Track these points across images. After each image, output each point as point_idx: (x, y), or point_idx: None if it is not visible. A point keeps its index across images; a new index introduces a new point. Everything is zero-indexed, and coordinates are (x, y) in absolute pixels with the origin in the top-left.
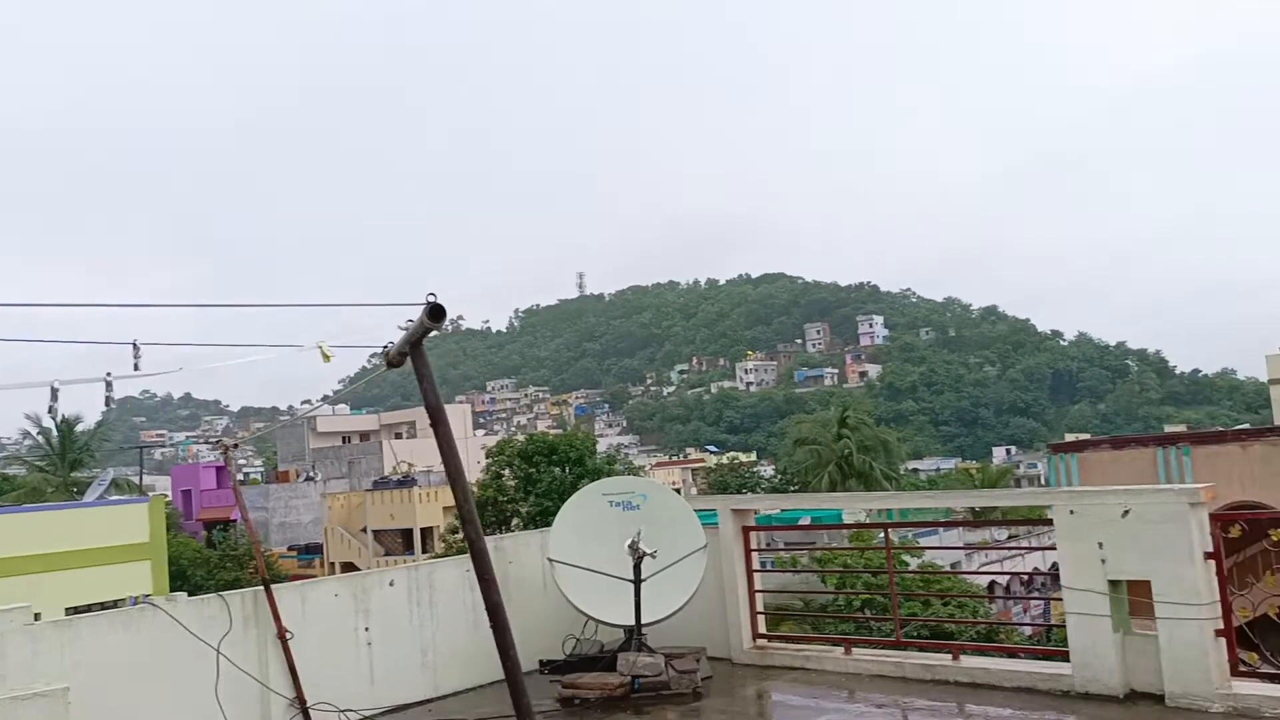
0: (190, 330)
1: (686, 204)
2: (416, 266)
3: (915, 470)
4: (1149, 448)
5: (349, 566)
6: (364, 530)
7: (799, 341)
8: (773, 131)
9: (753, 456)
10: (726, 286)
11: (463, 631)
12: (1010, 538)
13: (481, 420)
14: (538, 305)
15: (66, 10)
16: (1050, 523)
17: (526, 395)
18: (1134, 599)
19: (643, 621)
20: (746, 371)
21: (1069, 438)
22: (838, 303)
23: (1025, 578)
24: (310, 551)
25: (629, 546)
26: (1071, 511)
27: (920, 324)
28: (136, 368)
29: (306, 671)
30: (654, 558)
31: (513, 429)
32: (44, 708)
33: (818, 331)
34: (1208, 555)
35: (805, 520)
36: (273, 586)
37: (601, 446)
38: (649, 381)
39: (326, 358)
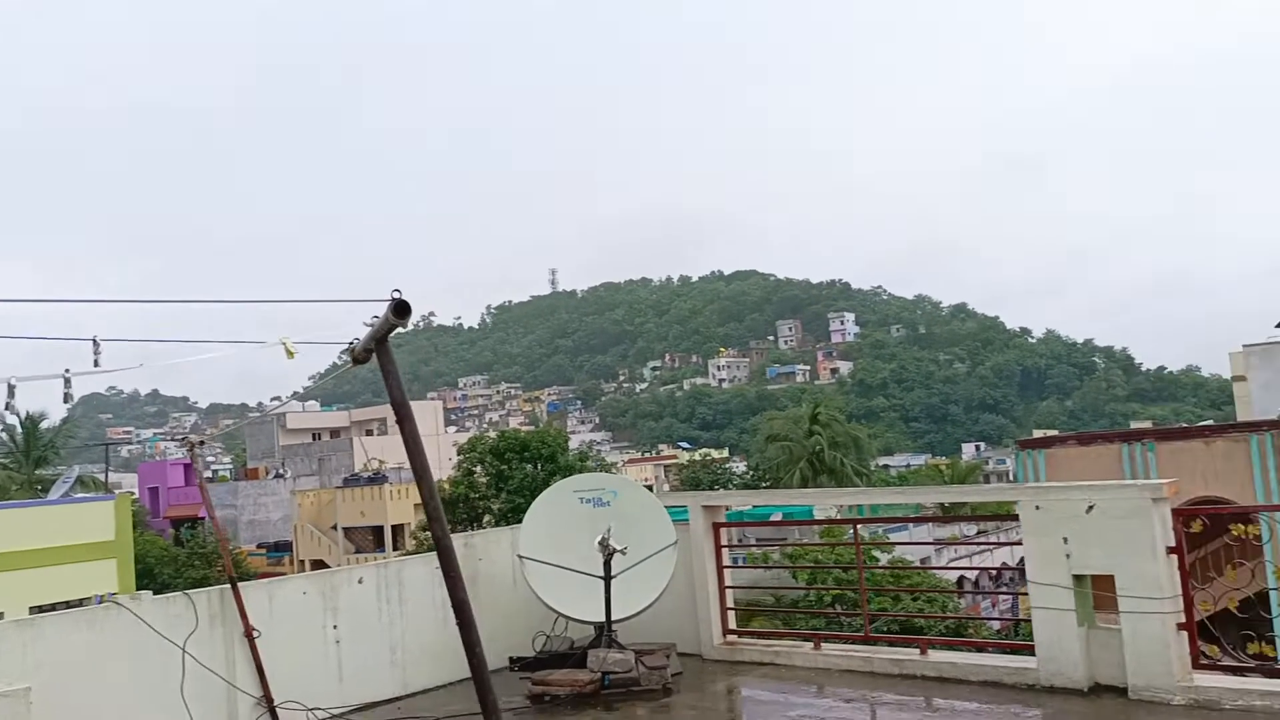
0: (156, 327)
1: (659, 201)
2: (388, 263)
3: (886, 466)
4: (1114, 444)
5: (319, 564)
6: (334, 527)
7: (771, 338)
8: (746, 130)
9: (725, 453)
10: (699, 283)
11: (432, 629)
12: (979, 533)
13: (453, 417)
14: (510, 302)
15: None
16: (1018, 518)
17: (499, 392)
18: (1098, 593)
19: (613, 618)
20: (719, 368)
21: (1037, 434)
22: (809, 300)
23: (994, 573)
24: (280, 549)
25: (599, 543)
26: (1037, 507)
27: (891, 321)
28: (96, 364)
29: (274, 670)
30: (624, 554)
31: (485, 426)
32: (5, 708)
33: (790, 328)
34: (1170, 550)
35: (777, 516)
36: (240, 584)
37: (574, 443)
38: (621, 378)
39: (290, 354)
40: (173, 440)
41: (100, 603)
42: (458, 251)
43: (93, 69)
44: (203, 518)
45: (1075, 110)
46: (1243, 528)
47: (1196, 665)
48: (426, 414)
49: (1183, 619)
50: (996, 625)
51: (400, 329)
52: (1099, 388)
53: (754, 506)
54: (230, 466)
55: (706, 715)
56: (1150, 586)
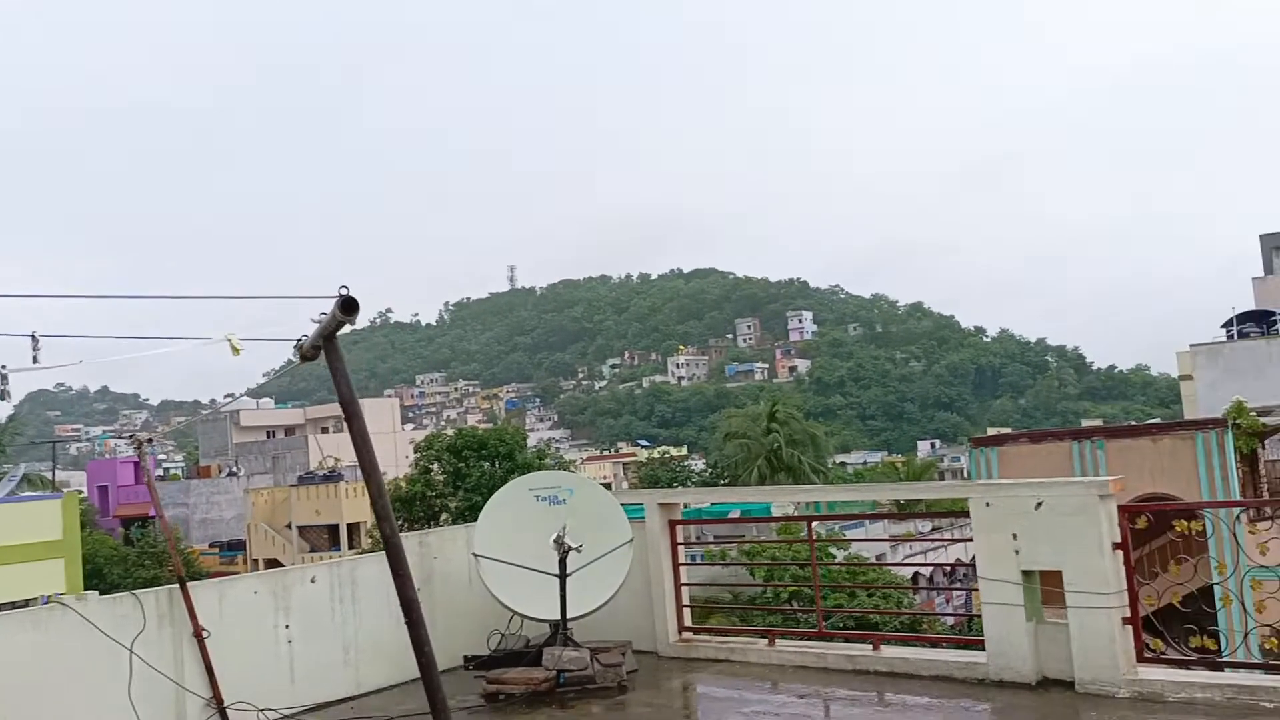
0: (109, 324)
1: (619, 199)
2: (344, 259)
3: (843, 464)
4: (1065, 441)
5: (273, 563)
6: (289, 526)
7: (730, 336)
8: (706, 129)
9: (684, 451)
10: (658, 281)
11: (387, 628)
12: (934, 530)
13: (410, 414)
14: (468, 298)
15: None
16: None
17: (456, 389)
18: (1046, 589)
19: (568, 616)
20: (678, 366)
21: (991, 432)
22: (768, 298)
23: (948, 569)
24: (233, 548)
25: (554, 541)
26: (987, 504)
27: (848, 320)
28: (35, 360)
29: (224, 670)
30: (579, 552)
31: (442, 423)
32: None
33: (748, 327)
34: (1116, 546)
35: (735, 514)
36: (190, 584)
37: (532, 441)
38: (580, 376)
39: (236, 351)
40: (122, 438)
41: (46, 603)
42: (415, 247)
43: (45, 64)
44: (153, 516)
45: (1031, 116)
46: (1186, 524)
47: (1141, 659)
48: (383, 411)
49: (1128, 613)
50: (950, 621)
51: (348, 326)
52: (1051, 386)
53: (711, 504)
54: (183, 464)
55: (661, 712)
56: (1096, 582)
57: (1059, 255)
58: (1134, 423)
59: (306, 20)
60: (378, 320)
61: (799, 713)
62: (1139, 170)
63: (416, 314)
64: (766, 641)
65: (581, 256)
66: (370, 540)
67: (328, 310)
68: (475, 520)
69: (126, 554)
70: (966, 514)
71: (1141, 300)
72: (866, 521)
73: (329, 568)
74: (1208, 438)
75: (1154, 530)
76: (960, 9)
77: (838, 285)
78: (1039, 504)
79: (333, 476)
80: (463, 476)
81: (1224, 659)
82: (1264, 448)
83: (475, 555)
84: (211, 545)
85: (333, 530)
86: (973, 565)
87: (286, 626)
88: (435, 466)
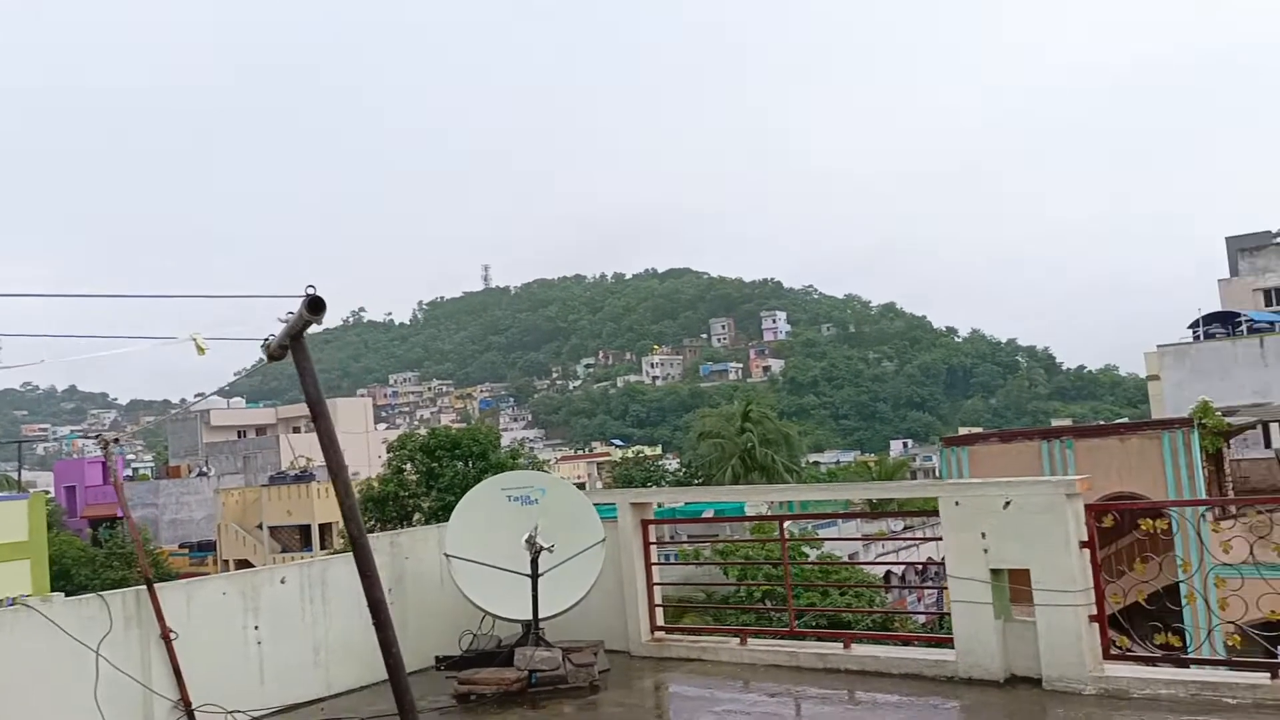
0: (79, 324)
1: (594, 199)
2: (318, 259)
3: (816, 463)
4: (1034, 441)
5: (244, 564)
6: (260, 527)
7: (704, 336)
8: (679, 130)
9: (658, 450)
10: (633, 281)
11: (358, 629)
12: (906, 529)
13: (384, 414)
14: (442, 298)
15: None
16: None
17: (430, 389)
18: (1014, 587)
19: (540, 616)
20: (652, 366)
21: (962, 431)
22: (742, 299)
23: (920, 567)
24: (203, 549)
25: (526, 541)
26: (957, 503)
27: (821, 320)
28: None
29: (192, 672)
30: (551, 552)
31: (416, 423)
32: None
33: (723, 327)
34: (1083, 544)
35: (708, 513)
36: (157, 585)
37: (506, 441)
38: (555, 375)
39: (201, 350)
40: (89, 438)
41: (11, 605)
42: (389, 246)
43: (40, 60)
44: (121, 517)
45: (1003, 118)
46: (1151, 522)
47: (1107, 656)
48: (356, 411)
49: (1094, 611)
50: (922, 619)
51: (316, 325)
52: (1022, 386)
53: (685, 503)
54: (152, 464)
55: (633, 712)
56: (1064, 580)
57: (1030, 256)
58: (1102, 423)
59: (268, 20)
60: (351, 319)
61: (770, 711)
62: (1110, 172)
63: (390, 313)
64: (738, 640)
65: (556, 256)
66: (342, 541)
67: (295, 310)
68: (448, 520)
69: (94, 555)
70: (937, 513)
71: (1111, 301)
72: (839, 520)
73: (299, 568)
74: (1174, 437)
75: (1120, 529)
76: (936, 11)
77: (811, 285)
78: (1007, 503)
79: (304, 476)
80: (436, 476)
81: (1189, 656)
82: (1229, 447)
83: (447, 555)
84: (181, 546)
85: (304, 531)
86: (944, 564)
87: (256, 628)
88: (408, 466)
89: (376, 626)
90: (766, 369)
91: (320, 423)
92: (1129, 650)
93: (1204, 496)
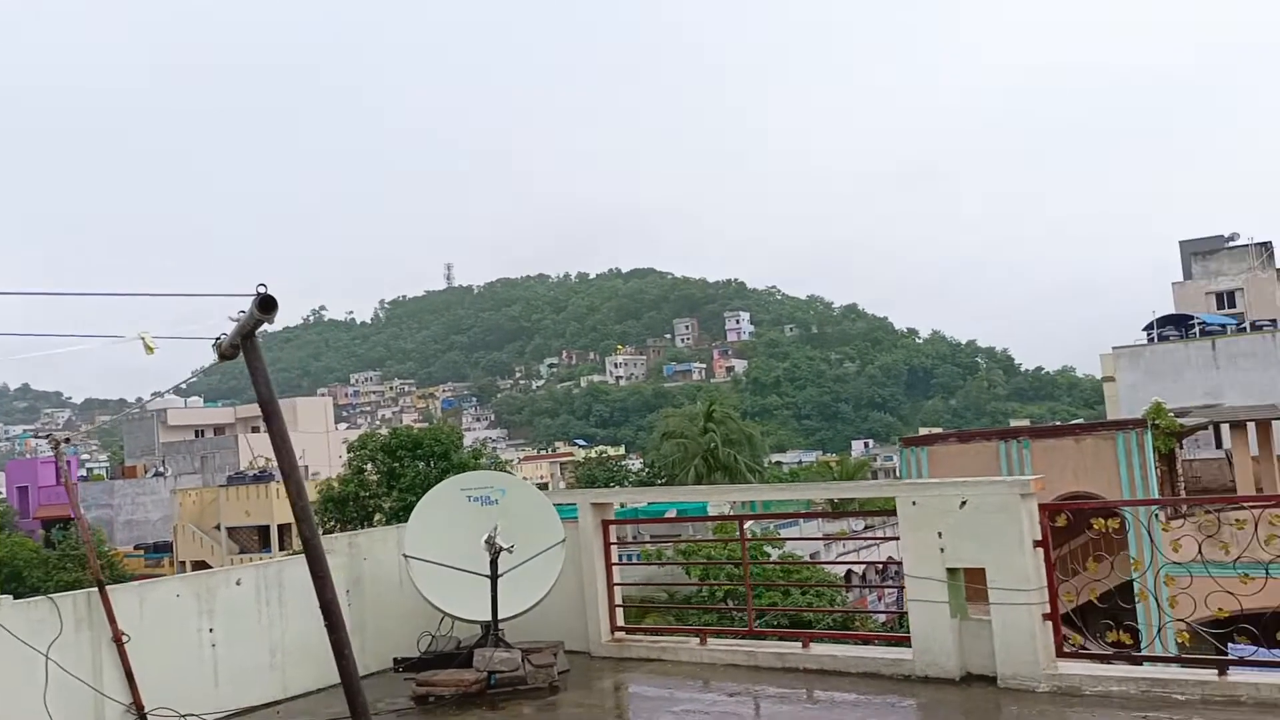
0: (33, 322)
1: (558, 198)
2: (275, 258)
3: (779, 463)
4: (992, 441)
5: (201, 565)
6: (218, 527)
7: (668, 336)
8: (644, 129)
9: (621, 450)
10: (597, 280)
11: (315, 630)
12: (866, 528)
13: (344, 414)
14: (404, 296)
15: None
16: None
17: (391, 388)
18: (970, 586)
19: (499, 617)
20: (616, 366)
21: (922, 431)
22: (706, 299)
23: (880, 566)
24: (159, 550)
25: (486, 541)
26: (914, 503)
27: (785, 321)
28: None
29: (145, 675)
30: (511, 552)
31: (377, 423)
32: None
33: (686, 327)
34: (1036, 543)
35: (671, 513)
36: (109, 587)
37: (468, 440)
38: (518, 375)
39: (149, 349)
40: (40, 437)
41: None
42: (350, 244)
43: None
44: (75, 518)
45: (963, 118)
46: (1104, 522)
47: (1060, 654)
48: (316, 410)
49: (1048, 609)
50: (882, 618)
51: (267, 324)
52: (981, 387)
53: (648, 503)
54: (107, 464)
55: (592, 712)
56: (1018, 579)
57: (990, 258)
58: (1059, 423)
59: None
60: (311, 318)
61: (729, 711)
62: (1070, 175)
63: (351, 312)
64: (698, 640)
65: (519, 255)
66: (301, 541)
67: (246, 309)
68: (408, 521)
69: (47, 557)
70: (896, 512)
71: (1069, 304)
72: (801, 520)
73: (255, 569)
74: (1128, 438)
75: (1075, 528)
76: (893, 11)
77: (774, 286)
78: (963, 503)
79: (263, 477)
80: (397, 476)
81: (1141, 654)
82: (1182, 448)
83: (406, 556)
84: (137, 547)
85: (263, 531)
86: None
87: (211, 630)
88: (369, 466)
89: (329, 629)
90: (730, 369)
91: (272, 422)
92: (1082, 648)
93: (1157, 496)
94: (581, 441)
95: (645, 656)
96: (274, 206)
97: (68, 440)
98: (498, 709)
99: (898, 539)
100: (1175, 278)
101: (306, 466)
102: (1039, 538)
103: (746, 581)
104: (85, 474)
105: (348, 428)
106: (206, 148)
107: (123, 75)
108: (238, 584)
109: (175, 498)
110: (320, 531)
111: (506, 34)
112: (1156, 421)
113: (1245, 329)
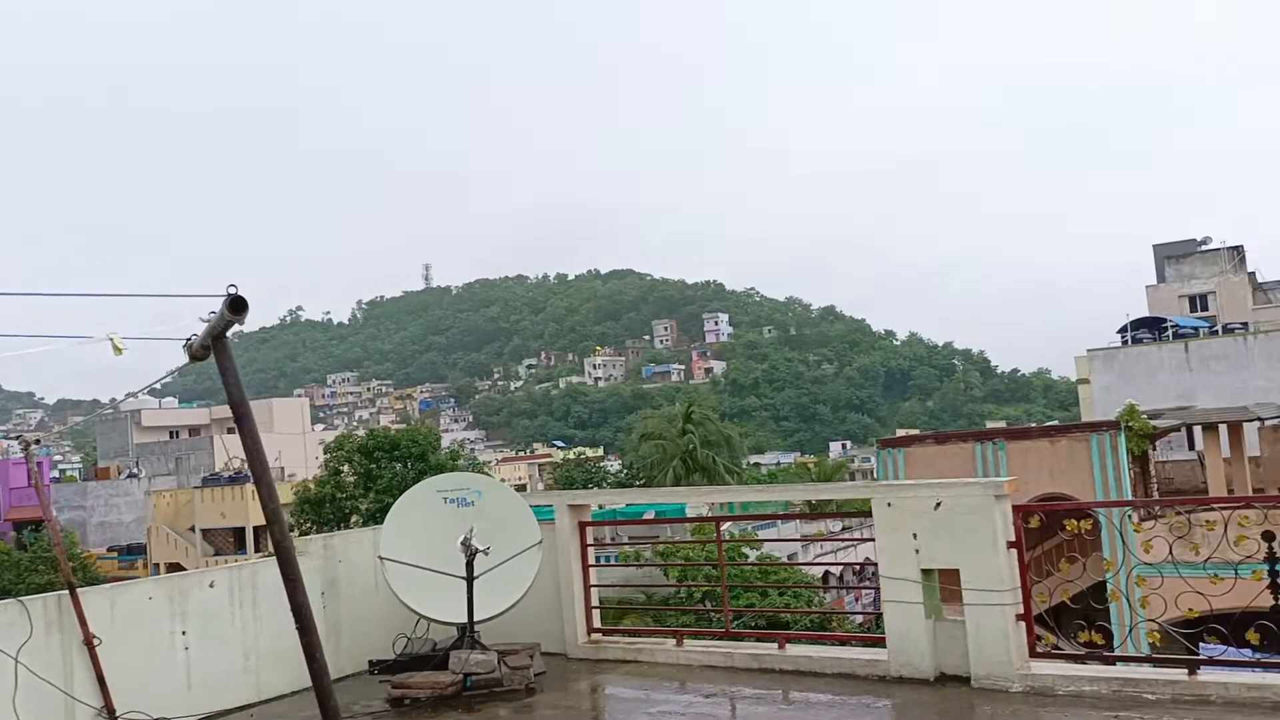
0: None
1: (536, 199)
2: (250, 258)
3: (757, 464)
4: (968, 443)
5: (175, 567)
6: (192, 529)
7: (647, 338)
8: (624, 130)
9: (600, 452)
10: (576, 282)
11: (289, 633)
12: (844, 529)
13: (321, 415)
14: (382, 297)
15: None
16: None
17: (369, 389)
18: (945, 586)
19: (476, 619)
20: (595, 367)
21: (900, 433)
22: (684, 300)
23: (857, 567)
24: (133, 552)
25: (461, 543)
26: (889, 504)
27: (763, 322)
28: None
29: (116, 679)
30: (487, 554)
31: (354, 424)
32: None
33: (665, 328)
34: (1010, 544)
35: (649, 514)
36: (81, 590)
37: (446, 442)
38: (496, 376)
39: (118, 350)
40: (12, 438)
41: None
42: (328, 244)
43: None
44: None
45: (942, 121)
46: (1076, 523)
47: (1033, 654)
48: (293, 411)
49: (1021, 610)
50: (859, 619)
51: (238, 325)
52: (958, 389)
53: (626, 505)
54: (80, 465)
55: (569, 714)
56: (992, 580)
57: (966, 261)
58: (1034, 425)
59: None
60: (288, 318)
61: (705, 712)
62: (1046, 178)
63: (328, 312)
64: (675, 642)
65: (498, 256)
66: (273, 544)
67: (217, 310)
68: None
69: (19, 559)
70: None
71: (1045, 306)
72: (779, 521)
73: (229, 571)
74: (1102, 440)
75: (1049, 529)
76: (875, 12)
77: (753, 288)
78: (938, 504)
79: (238, 478)
80: (374, 478)
81: (1113, 653)
82: (1155, 449)
83: (381, 558)
84: (110, 549)
85: (239, 533)
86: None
87: (184, 633)
88: (346, 468)
89: (300, 632)
90: (708, 370)
91: (243, 424)
92: (1055, 648)
93: (1130, 497)
94: (560, 443)
95: (622, 658)
96: (252, 206)
97: (38, 441)
98: (473, 711)
99: (873, 540)
100: (1149, 281)
101: (282, 468)
102: (1013, 539)
103: (724, 583)
104: (58, 475)
105: (325, 429)
106: (185, 148)
107: (99, 76)
108: (211, 586)
109: (149, 499)
110: (295, 533)
111: (486, 35)
112: (1130, 423)
113: (1217, 332)
